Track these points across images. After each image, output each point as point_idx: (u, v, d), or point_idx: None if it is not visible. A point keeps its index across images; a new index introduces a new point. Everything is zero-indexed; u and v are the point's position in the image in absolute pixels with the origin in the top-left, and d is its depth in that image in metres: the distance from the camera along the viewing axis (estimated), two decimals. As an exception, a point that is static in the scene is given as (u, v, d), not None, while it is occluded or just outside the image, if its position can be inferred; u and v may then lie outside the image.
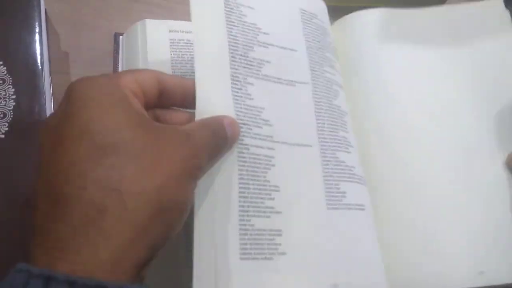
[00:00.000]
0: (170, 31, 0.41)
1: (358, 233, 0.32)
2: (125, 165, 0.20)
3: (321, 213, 0.31)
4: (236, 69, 0.32)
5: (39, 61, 0.35)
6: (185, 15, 0.44)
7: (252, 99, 0.31)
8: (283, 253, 0.29)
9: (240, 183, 0.29)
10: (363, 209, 0.33)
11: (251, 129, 0.30)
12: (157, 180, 0.20)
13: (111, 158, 0.20)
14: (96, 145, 0.20)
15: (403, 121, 0.39)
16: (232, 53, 0.32)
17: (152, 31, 0.40)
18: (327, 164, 0.33)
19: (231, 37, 0.32)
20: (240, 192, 0.29)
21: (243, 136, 0.30)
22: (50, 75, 0.39)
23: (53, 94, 0.38)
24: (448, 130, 0.39)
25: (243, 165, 0.29)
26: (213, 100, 0.30)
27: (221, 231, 0.28)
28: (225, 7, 0.33)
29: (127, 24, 0.42)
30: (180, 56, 0.40)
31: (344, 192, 0.33)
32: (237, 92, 0.31)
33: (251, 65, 0.33)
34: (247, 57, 0.33)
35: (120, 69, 0.41)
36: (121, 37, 0.42)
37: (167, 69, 0.39)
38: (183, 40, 0.41)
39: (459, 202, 0.37)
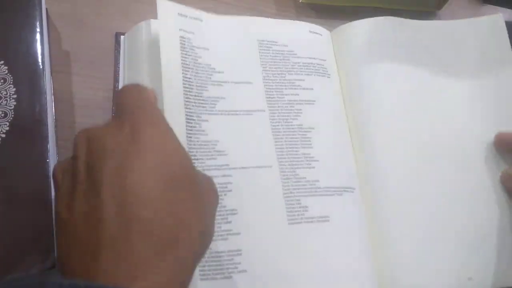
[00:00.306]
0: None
1: (323, 245, 0.34)
2: (190, 203, 0.22)
3: (282, 229, 0.34)
4: (190, 108, 0.35)
5: (40, 60, 0.35)
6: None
7: (206, 134, 0.35)
8: (243, 271, 0.32)
9: None
10: (327, 220, 0.35)
11: (204, 162, 0.34)
12: (209, 222, 0.24)
13: (181, 194, 0.22)
14: (168, 179, 0.21)
15: (390, 131, 0.40)
16: (186, 94, 0.35)
17: (157, 31, 0.40)
18: (287, 182, 0.36)
19: (186, 79, 0.36)
20: None
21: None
22: (51, 74, 0.38)
23: (54, 93, 0.38)
24: (441, 142, 0.40)
25: None
26: None
27: None
28: (181, 51, 0.36)
29: (128, 24, 0.42)
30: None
31: (306, 207, 0.35)
32: (191, 129, 0.34)
33: (205, 103, 0.36)
34: (201, 96, 0.36)
35: (121, 69, 0.41)
36: (122, 36, 0.42)
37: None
38: None
39: (447, 210, 0.38)
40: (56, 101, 0.38)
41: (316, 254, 0.34)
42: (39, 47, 0.36)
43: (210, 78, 0.37)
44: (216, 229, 0.32)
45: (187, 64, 0.36)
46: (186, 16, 0.38)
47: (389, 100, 0.41)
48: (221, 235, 0.33)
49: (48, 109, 0.34)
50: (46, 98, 0.34)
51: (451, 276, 0.35)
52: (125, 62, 0.41)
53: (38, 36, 0.36)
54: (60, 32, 0.41)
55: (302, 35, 0.43)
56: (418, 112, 0.41)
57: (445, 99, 0.42)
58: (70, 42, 0.41)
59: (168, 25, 0.37)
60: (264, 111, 0.38)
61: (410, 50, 0.43)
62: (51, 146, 0.33)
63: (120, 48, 0.42)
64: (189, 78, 0.36)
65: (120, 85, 0.40)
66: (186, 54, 0.37)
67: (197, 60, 0.37)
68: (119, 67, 0.41)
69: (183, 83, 0.35)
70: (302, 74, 0.40)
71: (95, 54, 0.41)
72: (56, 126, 0.37)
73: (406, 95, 0.41)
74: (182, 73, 0.36)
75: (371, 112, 0.40)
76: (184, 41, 0.37)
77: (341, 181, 0.37)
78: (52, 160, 0.33)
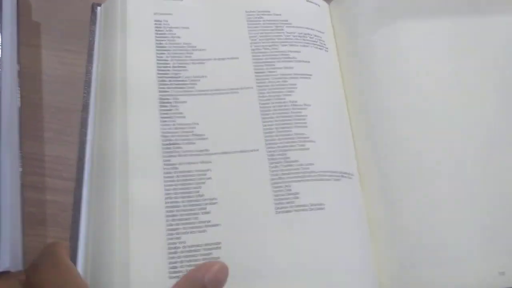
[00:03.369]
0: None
1: (316, 235, 0.31)
2: None
3: (268, 218, 0.31)
4: (166, 91, 0.34)
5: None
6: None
7: (184, 117, 0.33)
8: None
9: (166, 203, 0.30)
10: (322, 209, 0.32)
11: (180, 148, 0.32)
12: None
13: None
14: None
15: (413, 105, 0.36)
16: (161, 76, 0.34)
17: (133, 3, 0.37)
18: (276, 166, 0.33)
19: (161, 61, 0.35)
20: (167, 212, 0.30)
21: (171, 156, 0.32)
22: (18, 47, 0.35)
23: (20, 68, 0.35)
24: (469, 117, 0.36)
25: (170, 185, 0.31)
26: (141, 126, 0.32)
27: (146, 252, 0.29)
28: (156, 33, 0.36)
29: (106, -7, 0.39)
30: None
31: (297, 193, 0.32)
32: (166, 113, 0.33)
33: (184, 84, 0.34)
34: (179, 77, 0.35)
35: (96, 43, 0.37)
36: (98, 8, 0.39)
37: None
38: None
39: (478, 199, 0.34)
40: (22, 76, 0.35)
41: (307, 246, 0.31)
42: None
43: (190, 57, 0.36)
44: (192, 220, 0.30)
45: (163, 46, 0.36)
46: None
47: (399, 74, 0.37)
48: (198, 227, 0.30)
49: (12, 84, 0.32)
50: (6, 72, 0.31)
51: (479, 270, 0.32)
52: (100, 35, 0.38)
53: (-1, 4, 0.33)
54: (31, 2, 0.38)
55: (298, 3, 0.39)
56: (437, 86, 0.36)
57: (470, 65, 0.37)
58: (42, 13, 0.38)
59: (140, 12, 0.36)
60: (252, 88, 0.35)
61: (422, 5, 0.39)
62: (12, 122, 0.31)
63: (96, 20, 0.38)
64: (165, 60, 0.35)
65: (95, 60, 0.37)
66: (162, 36, 0.36)
67: (175, 40, 0.36)
68: (94, 41, 0.38)
69: (158, 66, 0.35)
70: (297, 45, 0.37)
71: (69, 26, 0.38)
72: (21, 103, 0.34)
73: (421, 67, 0.37)
74: (157, 55, 0.35)
75: (378, 89, 0.36)
76: (159, 23, 0.36)
77: (339, 165, 0.34)
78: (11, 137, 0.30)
